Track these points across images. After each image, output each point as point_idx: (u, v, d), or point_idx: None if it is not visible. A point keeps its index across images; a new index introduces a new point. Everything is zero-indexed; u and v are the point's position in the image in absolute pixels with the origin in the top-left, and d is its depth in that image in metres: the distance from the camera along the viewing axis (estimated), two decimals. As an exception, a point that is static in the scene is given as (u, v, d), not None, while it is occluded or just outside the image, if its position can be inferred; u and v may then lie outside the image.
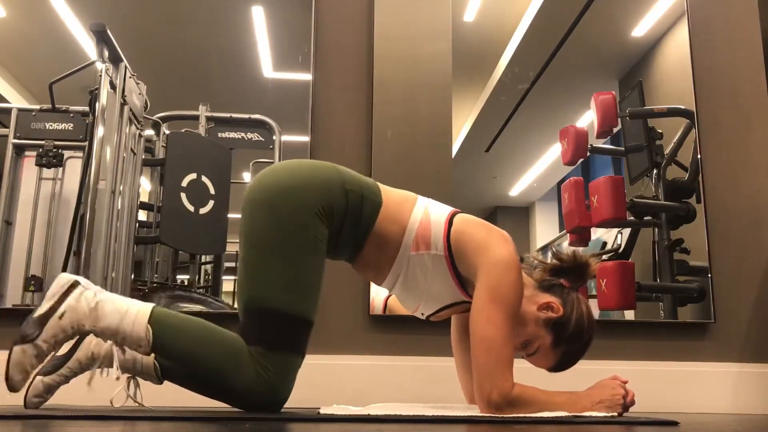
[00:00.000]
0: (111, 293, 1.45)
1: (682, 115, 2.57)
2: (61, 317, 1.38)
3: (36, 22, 2.47)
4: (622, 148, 2.55)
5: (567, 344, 1.51)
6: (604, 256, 2.46)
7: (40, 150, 2.37)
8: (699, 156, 2.53)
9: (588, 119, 2.55)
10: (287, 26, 2.53)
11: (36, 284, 2.27)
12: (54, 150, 2.36)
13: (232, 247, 2.41)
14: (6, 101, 2.40)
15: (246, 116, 2.46)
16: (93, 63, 2.40)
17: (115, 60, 2.42)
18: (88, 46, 2.45)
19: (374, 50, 2.51)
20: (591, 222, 2.46)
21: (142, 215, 2.44)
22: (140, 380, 1.45)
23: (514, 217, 2.49)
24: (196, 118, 2.46)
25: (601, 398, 1.45)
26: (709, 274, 2.43)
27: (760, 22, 2.67)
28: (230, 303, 2.37)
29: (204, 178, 2.44)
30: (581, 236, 2.47)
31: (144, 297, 2.29)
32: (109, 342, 1.44)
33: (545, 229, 2.49)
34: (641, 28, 2.63)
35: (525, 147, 2.51)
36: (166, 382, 1.43)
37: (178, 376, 1.41)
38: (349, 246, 1.55)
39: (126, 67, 2.42)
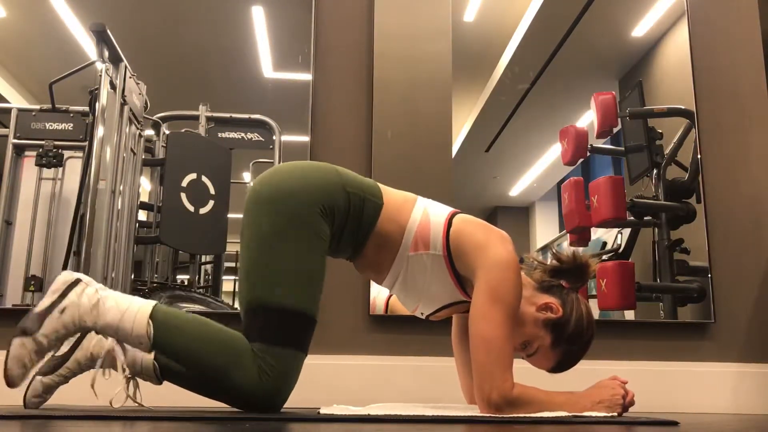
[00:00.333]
0: (113, 291, 1.45)
1: (682, 115, 2.57)
2: (62, 313, 1.37)
3: (36, 22, 2.47)
4: (622, 148, 2.55)
5: (566, 345, 1.51)
6: (604, 256, 2.46)
7: (40, 150, 2.37)
8: (699, 156, 2.53)
9: (588, 119, 2.54)
10: (287, 26, 2.53)
11: (36, 284, 2.27)
12: (54, 150, 2.36)
13: (232, 247, 2.41)
14: (6, 101, 2.40)
15: (246, 116, 2.46)
16: (93, 63, 2.41)
17: (115, 60, 2.42)
18: (88, 46, 2.45)
19: (374, 50, 2.51)
20: (591, 222, 2.46)
21: (142, 215, 2.44)
22: (140, 381, 1.45)
23: (514, 217, 2.49)
24: (196, 118, 2.46)
25: (601, 398, 1.46)
26: (709, 274, 2.43)
27: (760, 23, 2.67)
28: (230, 303, 2.37)
29: (204, 178, 2.44)
30: (581, 236, 2.47)
31: (144, 297, 2.27)
32: (111, 341, 1.44)
33: (545, 229, 2.49)
34: (641, 28, 2.63)
35: (525, 147, 2.51)
36: (165, 383, 1.43)
37: (178, 375, 1.41)
38: (350, 245, 1.56)
39: (126, 67, 2.42)
